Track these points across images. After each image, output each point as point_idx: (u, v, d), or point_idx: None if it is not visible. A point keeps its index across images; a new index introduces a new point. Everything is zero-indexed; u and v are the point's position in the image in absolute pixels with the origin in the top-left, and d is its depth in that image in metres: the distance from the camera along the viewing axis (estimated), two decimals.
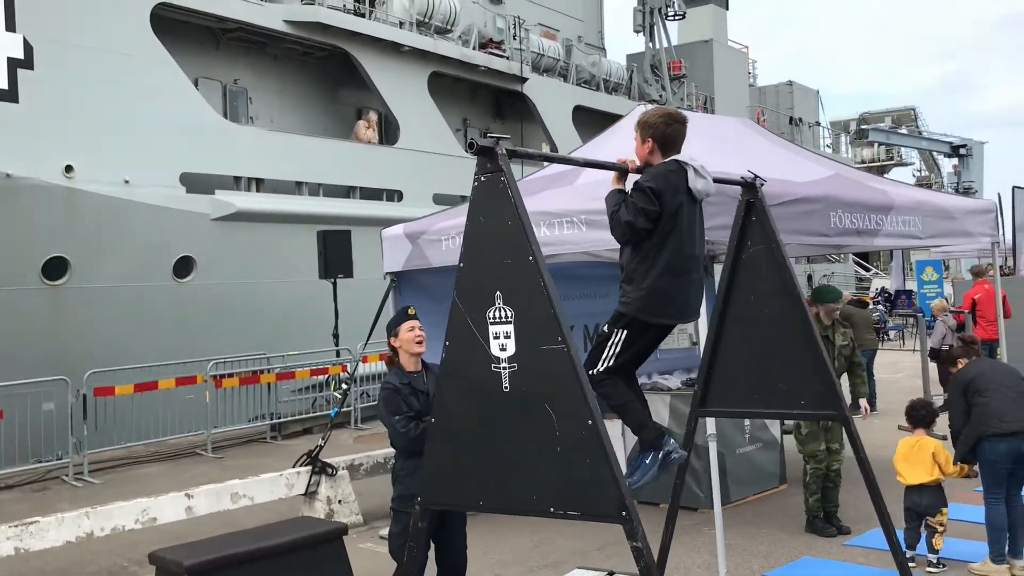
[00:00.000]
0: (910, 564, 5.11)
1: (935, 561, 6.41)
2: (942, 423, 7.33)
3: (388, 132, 20.07)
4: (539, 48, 24.47)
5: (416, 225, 8.15)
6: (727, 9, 36.46)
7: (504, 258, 3.04)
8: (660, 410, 8.07)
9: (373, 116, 19.64)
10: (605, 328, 3.94)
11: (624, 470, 3.63)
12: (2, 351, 12.36)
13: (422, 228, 7.99)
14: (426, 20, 20.24)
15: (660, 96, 29.06)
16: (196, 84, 16.27)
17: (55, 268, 13.42)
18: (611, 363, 3.84)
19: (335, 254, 14.09)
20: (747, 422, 8.55)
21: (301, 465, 8.26)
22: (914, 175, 62.06)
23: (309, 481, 8.15)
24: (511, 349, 3.02)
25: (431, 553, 4.91)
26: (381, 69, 18.96)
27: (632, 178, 3.87)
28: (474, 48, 21.75)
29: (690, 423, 4.94)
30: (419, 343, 5.17)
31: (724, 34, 35.70)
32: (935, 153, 61.45)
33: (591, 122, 24.90)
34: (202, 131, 15.34)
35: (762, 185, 4.69)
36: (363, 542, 7.51)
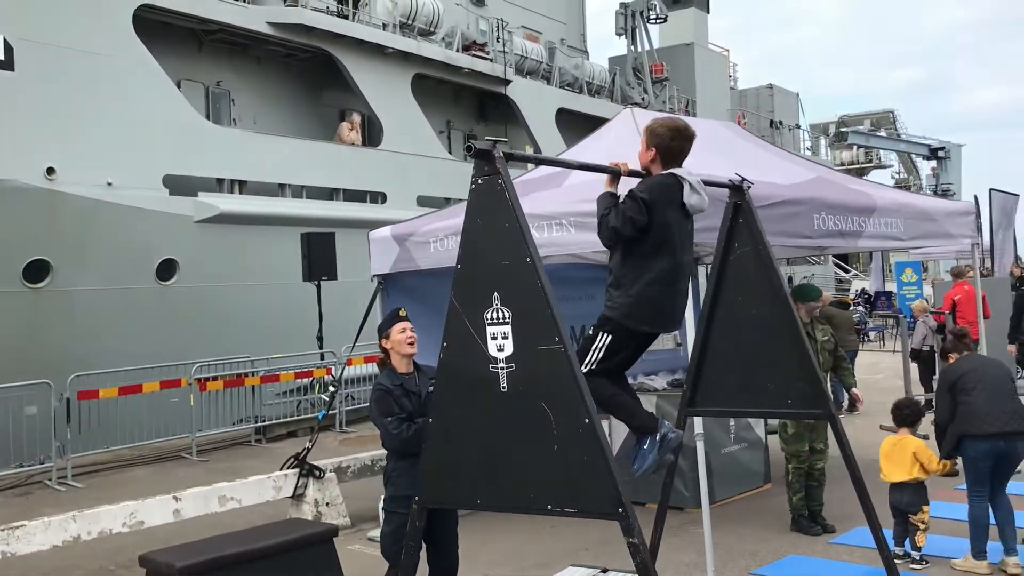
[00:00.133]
0: (895, 561, 5.18)
1: (918, 558, 6.51)
2: (925, 423, 7.43)
3: (371, 134, 20.06)
4: (522, 50, 24.53)
5: (404, 227, 8.18)
6: (708, 12, 36.69)
7: (502, 259, 3.09)
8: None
9: (356, 118, 19.64)
10: (590, 331, 3.99)
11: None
12: None
13: (410, 230, 8.02)
14: (409, 22, 20.25)
15: (643, 99, 29.19)
16: (179, 86, 16.21)
17: (36, 271, 13.33)
18: (594, 367, 3.88)
19: (319, 256, 14.07)
20: (732, 422, 8.63)
21: (288, 468, 8.26)
22: (893, 177, 62.60)
23: (297, 484, 8.15)
24: (509, 349, 3.07)
25: (422, 553, 4.93)
26: (364, 71, 18.96)
27: (625, 181, 3.92)
28: (457, 50, 21.78)
29: (679, 423, 4.99)
30: (411, 344, 5.20)
31: (705, 37, 35.90)
32: (914, 155, 62.04)
33: (574, 125, 25.00)
34: (185, 133, 15.28)
35: (749, 188, 4.76)
36: (351, 544, 7.53)
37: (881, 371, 17.61)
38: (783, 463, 7.94)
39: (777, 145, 16.24)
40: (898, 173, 64.13)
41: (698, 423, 5.98)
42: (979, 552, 6.30)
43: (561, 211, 6.74)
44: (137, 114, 14.42)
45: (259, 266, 15.96)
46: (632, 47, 31.72)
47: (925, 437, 7.24)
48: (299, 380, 13.75)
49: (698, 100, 33.00)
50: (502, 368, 3.08)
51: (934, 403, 7.08)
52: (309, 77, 19.57)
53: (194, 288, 15.07)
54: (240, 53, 18.21)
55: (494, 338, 3.09)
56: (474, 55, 22.16)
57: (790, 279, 33.02)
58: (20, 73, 13.05)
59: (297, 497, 8.16)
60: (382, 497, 6.84)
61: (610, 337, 3.86)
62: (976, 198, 9.89)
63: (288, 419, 13.54)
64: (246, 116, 18.22)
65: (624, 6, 31.80)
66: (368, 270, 8.46)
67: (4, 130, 12.81)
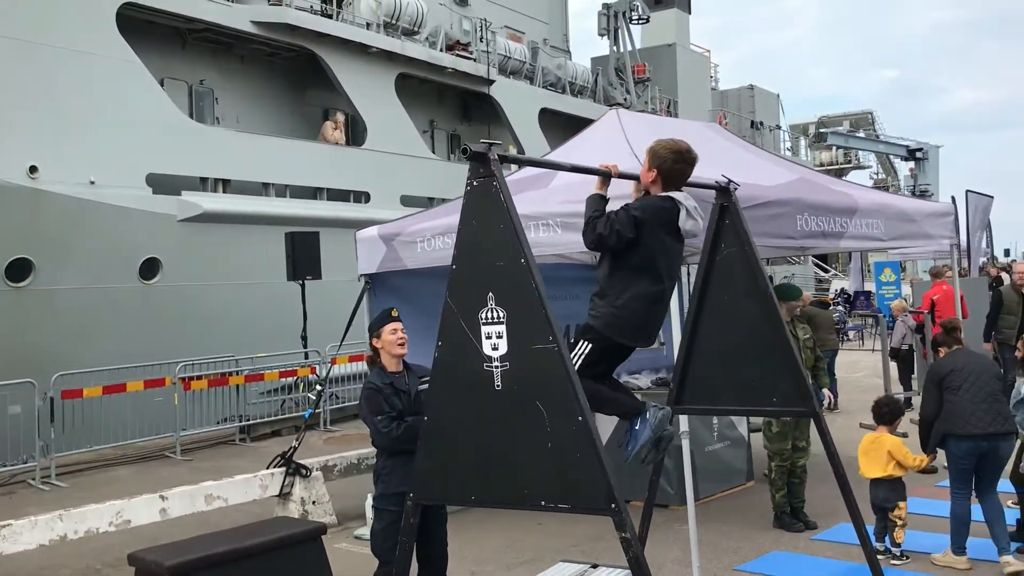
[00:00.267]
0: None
1: (898, 554, 6.62)
2: (904, 421, 7.54)
3: (355, 133, 20.07)
4: (505, 50, 24.58)
5: (391, 227, 8.20)
6: (689, 13, 36.88)
7: (496, 260, 3.14)
8: None
9: (340, 117, 19.63)
10: (572, 339, 4.07)
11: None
12: None
13: (397, 230, 8.05)
14: (393, 22, 20.26)
15: (625, 99, 29.31)
16: (162, 84, 16.15)
17: (19, 269, 13.25)
18: None
19: (303, 256, 14.06)
20: (715, 420, 8.72)
21: (275, 466, 8.28)
22: (871, 178, 63.08)
23: (283, 482, 8.17)
24: (503, 348, 3.13)
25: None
26: (348, 70, 18.96)
27: (616, 183, 3.99)
28: (441, 50, 21.81)
29: None
30: (401, 345, 5.24)
31: (687, 38, 36.10)
32: (892, 156, 62.60)
33: (557, 125, 25.08)
34: (168, 132, 15.23)
35: (736, 189, 4.84)
36: (338, 542, 7.55)
37: (861, 370, 17.80)
38: (765, 461, 8.05)
39: (758, 145, 16.36)
40: (876, 174, 64.66)
41: (684, 421, 6.05)
42: (959, 548, 6.41)
43: (548, 212, 6.80)
44: (120, 113, 14.37)
45: (243, 265, 15.93)
46: (614, 47, 31.85)
47: (904, 435, 7.37)
48: (283, 379, 13.75)
49: (680, 100, 33.18)
50: (497, 367, 3.14)
51: (921, 396, 7.16)
52: (293, 76, 19.54)
53: (178, 287, 15.03)
54: (224, 52, 18.16)
55: (489, 337, 3.15)
56: (457, 55, 22.19)
57: (770, 279, 33.24)
58: (2, 71, 12.97)
59: (284, 496, 8.18)
60: (369, 495, 6.91)
61: (590, 346, 3.95)
62: (954, 199, 10.04)
63: (272, 418, 13.54)
64: (230, 115, 18.17)
65: (607, 6, 31.92)
66: (353, 269, 8.48)
67: None
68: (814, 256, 40.83)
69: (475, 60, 22.75)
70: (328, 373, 10.81)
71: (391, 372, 5.26)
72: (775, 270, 35.06)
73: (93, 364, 11.96)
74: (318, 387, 10.08)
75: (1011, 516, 6.88)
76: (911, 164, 61.38)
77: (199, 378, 12.69)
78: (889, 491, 6.67)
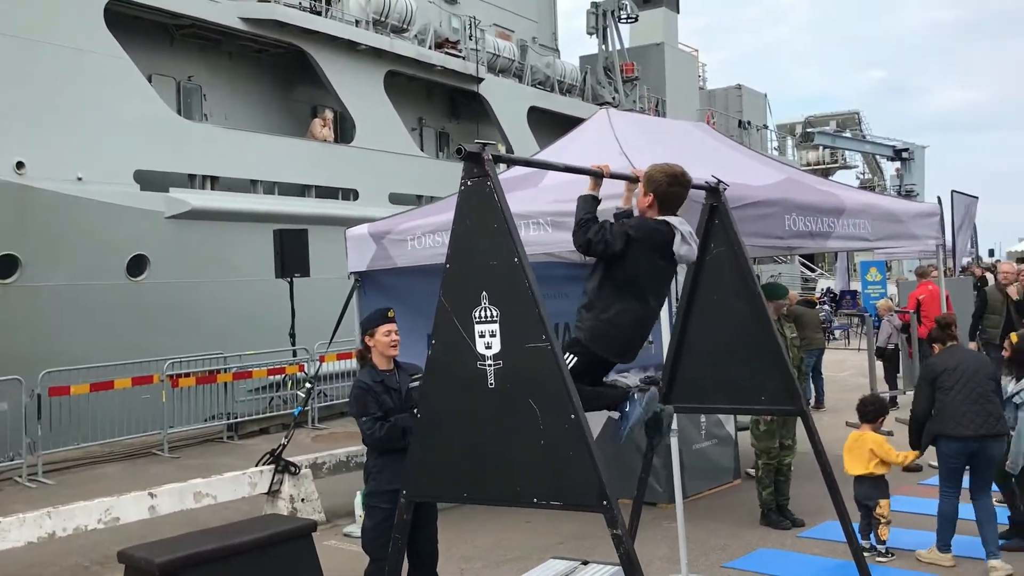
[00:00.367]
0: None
1: (883, 551, 6.69)
2: (889, 419, 7.61)
3: (344, 131, 20.03)
4: (494, 48, 24.58)
5: (381, 225, 8.21)
6: (678, 13, 36.96)
7: (490, 260, 3.18)
8: None
9: (329, 114, 19.59)
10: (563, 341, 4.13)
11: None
12: None
13: (387, 228, 8.06)
14: (382, 19, 20.24)
15: (613, 98, 29.36)
16: (150, 80, 16.08)
17: (5, 266, 13.19)
18: None
19: (291, 253, 14.04)
20: (703, 418, 8.77)
21: (264, 464, 8.28)
22: (858, 178, 63.40)
23: (272, 480, 8.17)
24: (496, 347, 3.16)
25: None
26: (337, 67, 18.92)
27: (607, 182, 4.02)
28: (430, 47, 21.81)
29: None
30: (393, 347, 5.27)
31: (675, 37, 36.18)
32: (878, 156, 62.91)
33: (546, 123, 25.11)
34: (156, 128, 15.17)
35: (725, 190, 4.88)
36: (327, 540, 7.56)
37: (846, 369, 17.90)
38: (752, 458, 8.10)
39: (745, 145, 16.45)
40: (863, 174, 64.99)
41: (672, 420, 6.08)
42: (944, 545, 6.48)
43: (538, 211, 6.83)
44: (108, 108, 14.31)
45: (231, 263, 15.89)
46: (603, 46, 31.90)
47: (889, 434, 7.43)
48: (271, 377, 13.73)
49: (668, 100, 33.26)
50: (490, 365, 3.17)
51: (913, 393, 7.17)
52: (281, 73, 19.50)
53: (165, 284, 14.98)
54: (212, 48, 18.09)
55: (482, 336, 3.18)
56: (447, 52, 22.19)
57: (757, 278, 33.40)
58: None
59: (272, 493, 8.17)
60: (359, 493, 6.93)
61: (576, 359, 3.98)
62: (939, 199, 10.12)
63: (260, 416, 13.52)
64: (217, 111, 18.11)
65: (595, 5, 31.97)
66: (341, 267, 8.48)
67: None
68: (800, 255, 41.03)
69: (464, 58, 22.75)
70: (317, 371, 10.79)
71: (382, 370, 5.28)
72: (762, 269, 35.21)
73: (80, 361, 11.90)
74: (308, 384, 10.06)
75: (1002, 515, 6.91)
76: (897, 164, 61.71)
77: (187, 375, 12.65)
78: (871, 488, 6.75)
